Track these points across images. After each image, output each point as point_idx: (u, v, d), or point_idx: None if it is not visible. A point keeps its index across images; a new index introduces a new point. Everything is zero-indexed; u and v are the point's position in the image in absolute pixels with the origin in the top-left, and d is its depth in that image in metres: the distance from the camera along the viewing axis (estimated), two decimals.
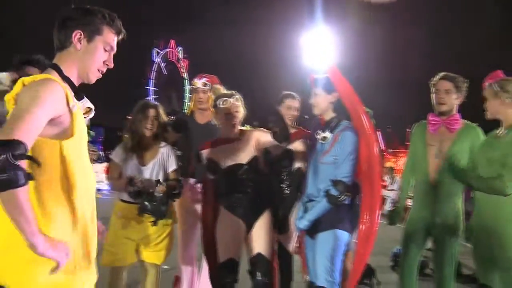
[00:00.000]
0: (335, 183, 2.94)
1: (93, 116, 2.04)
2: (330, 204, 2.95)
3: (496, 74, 3.11)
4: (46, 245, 1.62)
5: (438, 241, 3.38)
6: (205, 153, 3.47)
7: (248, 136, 3.40)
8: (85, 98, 1.92)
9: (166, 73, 51.39)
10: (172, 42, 51.77)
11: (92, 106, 1.96)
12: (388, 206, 11.97)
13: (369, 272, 5.35)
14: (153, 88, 49.60)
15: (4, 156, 1.49)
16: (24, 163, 1.55)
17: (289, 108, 3.88)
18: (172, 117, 4.39)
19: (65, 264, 1.72)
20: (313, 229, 3.04)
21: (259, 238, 3.29)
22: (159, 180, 3.40)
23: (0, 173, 1.49)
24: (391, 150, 20.30)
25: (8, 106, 1.75)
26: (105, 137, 29.09)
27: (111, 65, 1.96)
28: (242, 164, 3.33)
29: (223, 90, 3.77)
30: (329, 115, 3.14)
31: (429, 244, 3.58)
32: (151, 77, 50.73)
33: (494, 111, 3.04)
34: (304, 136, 3.73)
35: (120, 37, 1.98)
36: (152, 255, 3.45)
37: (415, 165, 3.51)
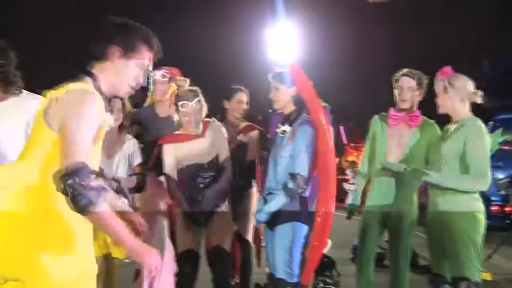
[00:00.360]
0: (292, 176, 2.97)
1: None
2: (288, 197, 2.98)
3: (446, 70, 3.20)
4: (137, 250, 1.74)
5: (394, 233, 3.48)
6: (166, 148, 3.44)
7: (209, 132, 3.39)
8: (110, 112, 1.99)
9: None
10: None
11: (112, 123, 2.05)
12: (350, 200, 12.08)
13: (329, 264, 5.44)
14: None
15: (72, 183, 1.58)
16: (93, 182, 1.63)
17: (240, 102, 3.91)
18: (135, 109, 4.35)
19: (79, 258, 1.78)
20: (272, 222, 3.07)
21: (218, 231, 3.30)
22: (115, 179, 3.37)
23: (74, 199, 1.59)
24: (353, 145, 20.55)
25: (43, 102, 1.80)
26: None
27: (142, 83, 2.02)
28: (202, 164, 3.34)
29: (187, 85, 3.74)
30: (289, 109, 3.17)
31: (387, 235, 3.67)
32: None
33: (443, 106, 3.14)
34: (255, 130, 3.79)
35: (156, 56, 2.03)
36: (116, 249, 3.42)
37: (373, 157, 3.59)
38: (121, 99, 3.51)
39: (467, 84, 3.11)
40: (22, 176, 1.74)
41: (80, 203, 1.60)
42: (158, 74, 3.95)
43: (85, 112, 1.73)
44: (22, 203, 1.71)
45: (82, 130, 1.70)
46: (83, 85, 1.82)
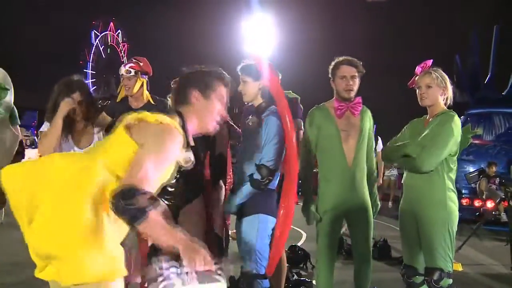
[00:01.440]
0: (258, 167, 2.97)
1: (27, 99, 2.03)
2: (254, 188, 2.98)
3: (429, 62, 3.23)
4: (186, 248, 1.79)
5: (358, 224, 3.47)
6: None
7: None
8: (190, 150, 2.12)
9: (104, 57, 49.94)
10: (112, 25, 50.27)
11: (193, 159, 2.14)
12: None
13: (304, 257, 5.49)
14: (91, 72, 48.08)
15: (116, 203, 1.69)
16: (144, 200, 1.71)
17: None
18: (108, 102, 4.28)
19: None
20: (240, 214, 3.09)
21: (188, 225, 3.26)
22: None
23: (120, 216, 1.72)
24: None
25: (127, 120, 1.95)
26: (39, 121, 27.76)
27: (225, 116, 2.28)
28: None
29: None
30: (258, 101, 3.19)
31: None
32: (89, 60, 49.14)
33: (435, 98, 3.14)
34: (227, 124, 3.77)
35: (228, 87, 2.27)
36: None
37: (327, 151, 3.45)
38: (81, 89, 3.34)
39: (447, 79, 3.17)
40: (87, 164, 1.87)
41: (125, 220, 1.72)
42: (123, 70, 3.89)
43: (166, 149, 1.90)
44: (79, 188, 1.81)
45: (155, 163, 1.83)
46: (173, 122, 1.99)
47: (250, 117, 3.15)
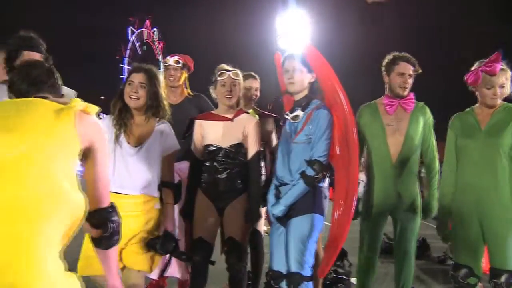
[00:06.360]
0: (310, 163, 2.82)
1: None
2: (307, 185, 2.83)
3: (499, 55, 3.01)
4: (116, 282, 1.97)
5: (403, 221, 3.38)
6: (196, 123, 3.37)
7: (240, 121, 3.30)
8: None
9: (140, 53, 50.80)
10: (148, 22, 51.08)
11: None
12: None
13: (341, 254, 5.42)
14: (127, 67, 48.99)
15: (116, 219, 1.80)
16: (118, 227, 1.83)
17: (250, 89, 3.79)
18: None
19: None
20: (288, 213, 2.90)
21: (231, 222, 3.25)
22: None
23: (112, 235, 1.78)
24: None
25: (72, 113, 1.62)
26: None
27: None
28: (220, 148, 3.27)
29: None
30: (302, 94, 3.01)
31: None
32: (126, 56, 50.08)
33: (502, 97, 3.04)
34: (270, 119, 3.73)
35: None
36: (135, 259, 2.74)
37: (372, 147, 3.41)
38: (147, 72, 2.83)
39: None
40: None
41: (114, 239, 1.80)
42: (171, 60, 3.89)
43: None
44: None
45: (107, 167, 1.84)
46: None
47: (289, 112, 3.01)
